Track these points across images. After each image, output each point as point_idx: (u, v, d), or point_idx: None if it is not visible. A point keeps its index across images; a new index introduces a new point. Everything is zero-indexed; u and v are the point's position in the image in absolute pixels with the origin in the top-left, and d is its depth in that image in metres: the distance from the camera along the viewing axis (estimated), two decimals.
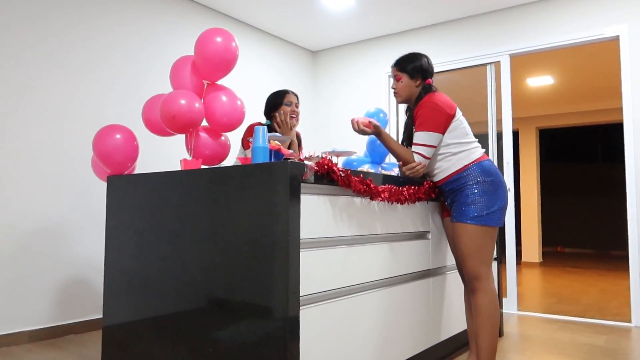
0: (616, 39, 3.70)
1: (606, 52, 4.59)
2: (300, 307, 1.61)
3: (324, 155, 1.95)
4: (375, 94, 4.86)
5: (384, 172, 2.85)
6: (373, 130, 2.26)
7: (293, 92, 2.75)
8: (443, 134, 2.19)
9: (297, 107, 2.73)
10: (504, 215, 2.19)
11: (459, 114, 2.24)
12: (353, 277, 1.87)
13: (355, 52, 5.05)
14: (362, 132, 2.26)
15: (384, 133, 2.28)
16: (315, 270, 1.69)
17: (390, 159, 4.38)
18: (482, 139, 3.88)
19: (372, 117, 3.22)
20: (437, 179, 2.28)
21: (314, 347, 1.67)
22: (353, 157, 3.24)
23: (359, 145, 4.70)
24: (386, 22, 4.51)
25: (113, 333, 2.19)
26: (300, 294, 1.61)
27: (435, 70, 2.47)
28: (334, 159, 2.34)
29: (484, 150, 2.26)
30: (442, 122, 2.18)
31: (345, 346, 1.82)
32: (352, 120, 2.26)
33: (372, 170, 2.77)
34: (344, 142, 5.00)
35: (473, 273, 2.15)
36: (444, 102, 2.20)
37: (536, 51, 4.05)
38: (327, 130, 5.19)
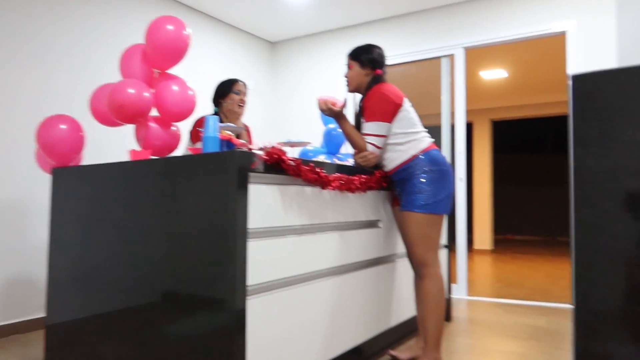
0: (563, 34, 3.87)
1: (555, 46, 4.78)
2: (248, 297, 1.62)
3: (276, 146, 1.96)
4: (334, 85, 4.89)
5: (338, 162, 2.89)
6: (338, 111, 2.28)
7: (242, 82, 2.74)
8: (391, 122, 2.24)
9: (244, 96, 2.73)
10: (451, 203, 2.27)
11: (406, 104, 2.29)
12: (303, 265, 1.90)
13: (314, 44, 5.05)
14: (329, 111, 2.27)
15: (345, 118, 2.32)
16: (264, 260, 1.70)
17: (347, 149, 4.43)
18: (436, 131, 3.99)
19: None
20: (386, 169, 2.33)
21: (263, 337, 1.69)
22: (309, 147, 3.26)
23: (317, 137, 4.74)
24: (344, 14, 4.53)
25: (57, 331, 2.14)
26: (249, 284, 1.62)
27: (391, 62, 2.51)
28: (289, 150, 2.36)
29: (432, 140, 2.32)
30: (389, 112, 2.22)
31: (295, 335, 1.85)
32: (319, 100, 2.27)
33: (328, 161, 2.80)
34: (303, 133, 5.01)
35: (420, 260, 2.22)
36: (391, 92, 2.24)
37: (489, 44, 4.17)
38: (286, 122, 5.18)
